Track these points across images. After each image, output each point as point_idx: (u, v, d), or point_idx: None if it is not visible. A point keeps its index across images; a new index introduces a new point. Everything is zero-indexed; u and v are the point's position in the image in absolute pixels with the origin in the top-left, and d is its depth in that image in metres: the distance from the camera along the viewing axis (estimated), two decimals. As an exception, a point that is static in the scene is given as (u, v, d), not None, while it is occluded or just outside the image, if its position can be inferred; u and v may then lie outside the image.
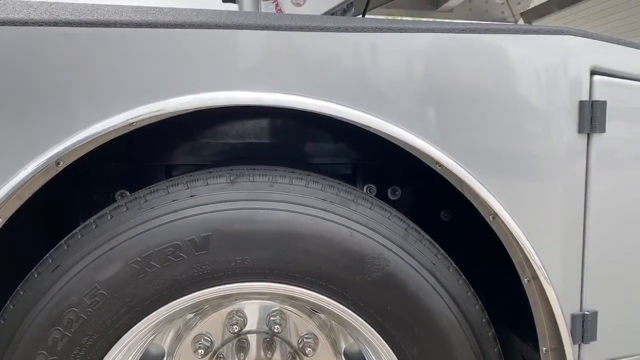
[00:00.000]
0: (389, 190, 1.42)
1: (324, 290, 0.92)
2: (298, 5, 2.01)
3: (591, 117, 1.00)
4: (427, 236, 0.99)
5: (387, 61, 0.94)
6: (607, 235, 1.04)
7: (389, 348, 0.95)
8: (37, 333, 0.88)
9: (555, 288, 0.95)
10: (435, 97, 0.95)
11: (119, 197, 1.30)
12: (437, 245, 0.99)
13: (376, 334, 0.94)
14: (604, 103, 1.01)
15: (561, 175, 1.01)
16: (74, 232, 0.93)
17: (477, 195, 0.95)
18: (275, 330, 1.17)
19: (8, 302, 0.90)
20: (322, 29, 0.92)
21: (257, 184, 0.93)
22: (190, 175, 0.96)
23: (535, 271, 0.93)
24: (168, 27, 0.89)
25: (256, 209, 0.90)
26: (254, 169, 0.96)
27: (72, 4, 0.98)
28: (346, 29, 0.92)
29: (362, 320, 0.93)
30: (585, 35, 1.01)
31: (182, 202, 0.90)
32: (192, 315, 1.18)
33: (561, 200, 1.00)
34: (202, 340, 1.17)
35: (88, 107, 0.86)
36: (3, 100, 0.85)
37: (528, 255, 0.92)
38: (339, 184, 0.98)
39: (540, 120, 1.00)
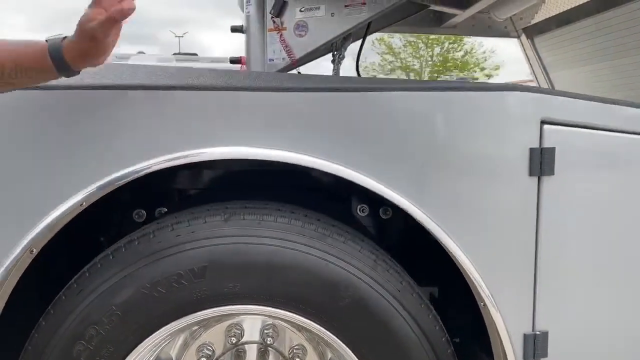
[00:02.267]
0: (380, 210, 1.56)
1: (304, 313, 1.09)
2: (300, 36, 2.17)
3: (540, 162, 1.14)
4: (395, 265, 1.15)
5: (359, 118, 1.10)
6: (556, 263, 1.18)
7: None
8: (65, 345, 1.06)
9: (505, 313, 1.10)
10: (401, 151, 1.10)
11: (136, 216, 1.47)
12: (403, 274, 1.14)
13: (348, 351, 1.11)
14: (552, 149, 1.15)
15: (514, 212, 1.15)
16: (94, 261, 1.11)
17: (432, 234, 1.10)
18: (268, 342, 1.34)
19: (40, 319, 1.09)
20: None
21: (247, 221, 1.10)
22: (192, 213, 1.13)
23: (484, 299, 1.08)
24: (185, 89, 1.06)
25: (246, 243, 1.07)
26: (245, 207, 1.13)
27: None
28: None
29: (336, 338, 1.10)
30: (537, 90, 1.15)
31: (184, 237, 1.08)
32: (197, 327, 1.36)
33: (514, 235, 1.15)
34: (205, 349, 1.34)
35: (133, 153, 1.05)
36: (59, 143, 1.03)
37: (477, 286, 1.07)
38: (318, 220, 1.15)
39: (496, 165, 1.14)
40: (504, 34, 3.42)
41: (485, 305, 1.13)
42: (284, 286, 1.08)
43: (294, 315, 1.10)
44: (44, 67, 0.93)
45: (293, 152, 1.08)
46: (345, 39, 2.24)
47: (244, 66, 2.24)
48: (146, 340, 1.09)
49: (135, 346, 1.09)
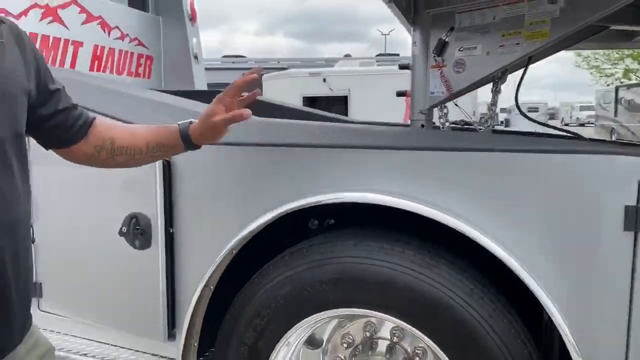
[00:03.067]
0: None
1: (411, 323, 1.42)
2: (458, 72, 2.40)
3: (635, 219, 1.26)
4: (491, 296, 1.39)
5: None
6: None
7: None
8: (248, 319, 1.58)
9: None
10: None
11: (311, 224, 1.93)
12: (496, 302, 1.38)
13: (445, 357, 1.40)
14: (648, 206, 1.26)
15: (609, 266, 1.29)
16: (272, 261, 1.60)
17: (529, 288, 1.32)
18: (394, 340, 1.69)
19: (235, 298, 1.63)
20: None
21: (371, 247, 1.46)
22: (332, 237, 1.55)
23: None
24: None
25: (368, 264, 1.44)
26: (370, 236, 1.50)
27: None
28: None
29: (435, 345, 1.40)
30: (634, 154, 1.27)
31: (326, 254, 1.50)
32: (343, 319, 1.77)
33: (610, 291, 1.30)
34: (347, 337, 1.76)
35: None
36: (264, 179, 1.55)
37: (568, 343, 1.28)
38: (429, 251, 1.45)
39: (594, 221, 1.30)
40: None
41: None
42: (395, 300, 1.42)
43: (403, 323, 1.43)
44: (175, 145, 1.25)
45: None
46: (504, 72, 2.40)
47: (409, 98, 2.58)
48: (298, 324, 1.54)
49: (292, 326, 1.55)
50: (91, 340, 1.87)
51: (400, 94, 2.65)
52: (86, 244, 1.82)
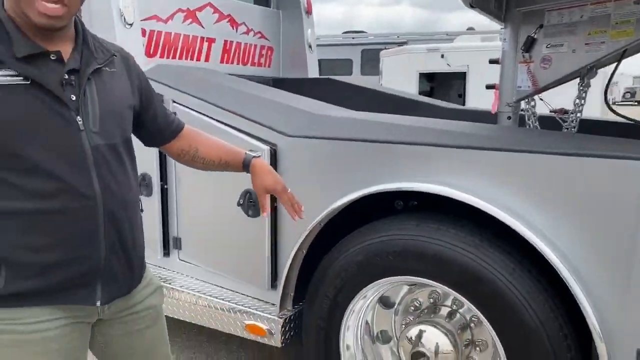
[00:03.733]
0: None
1: (461, 292, 1.72)
2: (545, 68, 2.51)
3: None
4: (532, 275, 1.63)
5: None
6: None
7: (495, 335, 1.68)
8: (332, 274, 1.98)
9: None
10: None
11: (397, 204, 2.27)
12: (537, 283, 1.62)
13: (487, 323, 1.69)
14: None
15: None
16: (351, 234, 1.97)
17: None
18: (454, 308, 1.99)
19: (321, 262, 2.03)
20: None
21: (430, 228, 1.77)
22: (400, 218, 1.88)
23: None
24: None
25: (425, 241, 1.75)
26: (430, 219, 1.80)
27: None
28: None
29: (479, 313, 1.69)
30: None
31: (394, 231, 1.84)
32: (413, 285, 2.10)
33: None
34: (415, 302, 2.09)
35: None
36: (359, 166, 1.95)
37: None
38: (480, 234, 1.72)
39: None
40: None
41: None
42: (447, 272, 1.72)
43: (452, 291, 1.74)
44: (237, 168, 1.57)
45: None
46: (590, 69, 2.48)
47: (497, 91, 2.75)
48: (369, 285, 1.91)
49: (364, 287, 1.93)
50: (215, 285, 2.41)
51: (489, 86, 2.83)
52: (213, 211, 2.35)
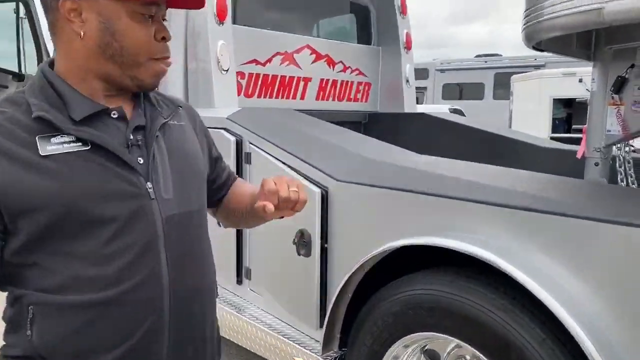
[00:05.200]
0: None
1: (488, 356, 1.63)
2: (636, 112, 2.25)
3: None
4: (563, 351, 1.49)
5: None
6: None
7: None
8: (369, 326, 1.99)
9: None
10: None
11: None
12: (571, 356, 1.47)
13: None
14: None
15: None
16: (390, 284, 1.97)
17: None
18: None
19: (362, 309, 2.05)
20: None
21: (461, 286, 1.71)
22: (436, 273, 1.83)
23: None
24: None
25: (455, 300, 1.69)
26: (466, 276, 1.74)
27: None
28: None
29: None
30: None
31: (426, 285, 1.80)
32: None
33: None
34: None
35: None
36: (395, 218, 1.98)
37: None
38: (512, 298, 1.62)
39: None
40: None
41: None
42: (476, 334, 1.65)
43: (480, 355, 1.65)
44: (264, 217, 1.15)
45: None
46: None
47: (585, 135, 2.52)
48: (405, 337, 1.89)
49: (399, 338, 1.91)
50: (274, 316, 2.55)
51: (575, 130, 2.60)
52: (274, 245, 2.50)
